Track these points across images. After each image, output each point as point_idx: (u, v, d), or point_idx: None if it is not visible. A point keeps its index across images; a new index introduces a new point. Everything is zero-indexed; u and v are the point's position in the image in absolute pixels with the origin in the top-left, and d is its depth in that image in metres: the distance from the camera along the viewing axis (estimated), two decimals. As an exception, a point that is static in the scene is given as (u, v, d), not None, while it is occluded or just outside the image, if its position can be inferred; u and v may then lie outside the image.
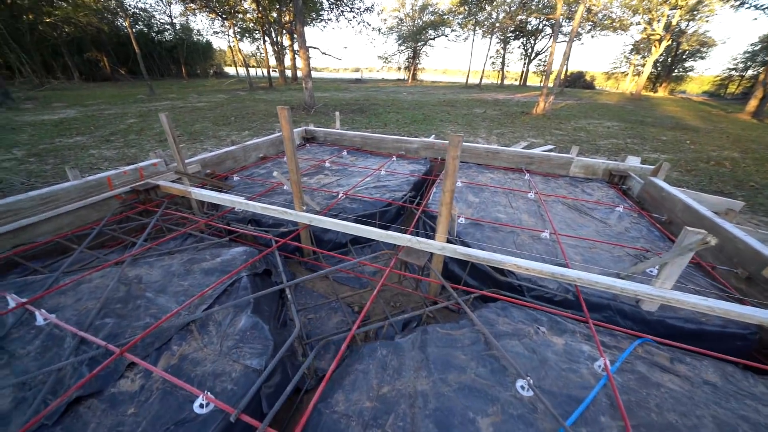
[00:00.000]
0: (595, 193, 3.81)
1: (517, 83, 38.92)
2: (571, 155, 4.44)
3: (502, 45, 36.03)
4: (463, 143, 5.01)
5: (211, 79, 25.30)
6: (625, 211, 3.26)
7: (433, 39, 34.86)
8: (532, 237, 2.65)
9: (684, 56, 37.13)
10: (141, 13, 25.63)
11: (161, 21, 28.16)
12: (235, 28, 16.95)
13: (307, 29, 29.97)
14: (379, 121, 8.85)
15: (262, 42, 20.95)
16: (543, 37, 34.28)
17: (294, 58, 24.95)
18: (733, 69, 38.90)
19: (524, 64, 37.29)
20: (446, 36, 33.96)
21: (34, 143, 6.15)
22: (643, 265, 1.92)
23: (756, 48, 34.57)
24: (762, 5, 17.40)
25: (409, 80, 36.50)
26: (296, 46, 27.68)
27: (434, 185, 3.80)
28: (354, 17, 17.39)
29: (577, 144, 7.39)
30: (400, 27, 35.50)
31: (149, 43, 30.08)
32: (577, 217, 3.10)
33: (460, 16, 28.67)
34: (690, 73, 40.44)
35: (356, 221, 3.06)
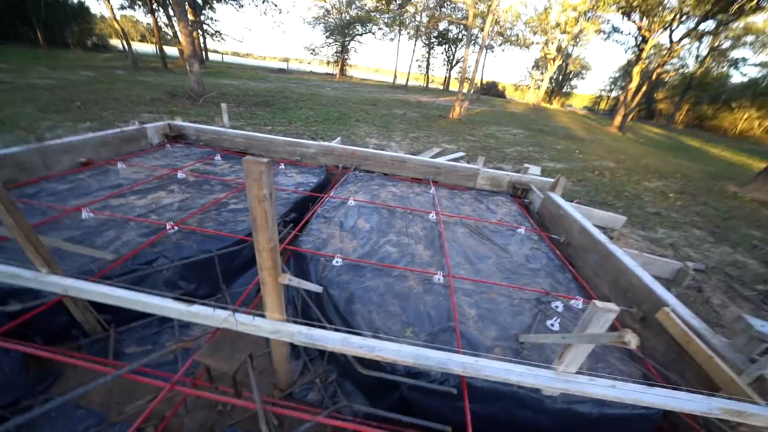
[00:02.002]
0: (499, 209, 3.52)
1: (441, 88, 41.04)
2: (477, 166, 4.16)
3: (427, 49, 37.41)
4: (371, 150, 4.35)
5: (77, 50, 19.93)
6: (526, 232, 2.98)
7: (361, 35, 34.21)
8: (423, 282, 2.06)
9: (570, 75, 44.25)
10: None
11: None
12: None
13: (219, 8, 26.22)
14: (284, 117, 7.71)
15: (151, 13, 17.21)
16: (463, 45, 36.69)
17: (198, 36, 21.41)
18: (603, 90, 48.04)
19: (447, 69, 39.45)
20: (373, 34, 33.65)
21: None
22: (544, 338, 1.44)
23: (616, 75, 43.15)
24: (620, 41, 21.65)
25: (338, 75, 35.23)
26: (189, 22, 23.85)
27: (321, 203, 3.02)
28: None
29: (487, 150, 7.52)
30: (326, 18, 33.86)
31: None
32: (478, 244, 2.66)
33: (386, 16, 28.61)
34: (575, 91, 48.63)
35: (184, 270, 2.09)
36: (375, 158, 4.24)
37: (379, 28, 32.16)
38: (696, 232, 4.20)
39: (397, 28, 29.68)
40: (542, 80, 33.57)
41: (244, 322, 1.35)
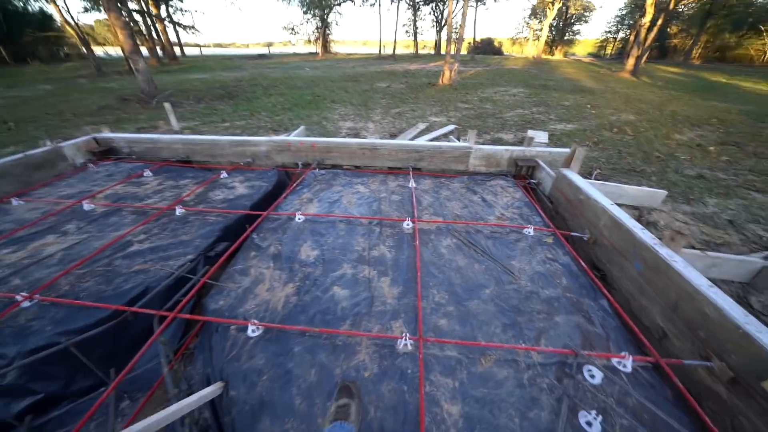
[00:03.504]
0: (498, 199, 2.72)
1: (432, 53, 38.42)
2: (468, 143, 3.31)
3: (413, 11, 34.65)
4: (335, 139, 3.54)
5: (35, 63, 18.87)
6: (536, 233, 2.20)
7: (339, 5, 31.78)
8: (381, 353, 1.34)
9: (572, 20, 40.66)
10: None
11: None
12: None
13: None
14: (247, 109, 6.83)
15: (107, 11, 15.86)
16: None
17: (164, 31, 19.98)
18: (608, 32, 44.14)
19: (437, 32, 36.70)
20: (352, 1, 31.16)
21: None
22: None
23: (623, 12, 39.33)
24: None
25: (320, 53, 33.21)
26: (167, 17, 22.05)
27: (255, 226, 2.28)
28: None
29: (483, 118, 6.51)
30: (299, -8, 31.43)
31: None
32: (469, 263, 1.91)
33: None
34: (578, 37, 44.90)
35: (39, 366, 1.43)
36: (340, 149, 3.44)
37: (357, -6, 29.71)
38: (757, 197, 3.29)
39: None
40: (541, 29, 30.86)
41: None
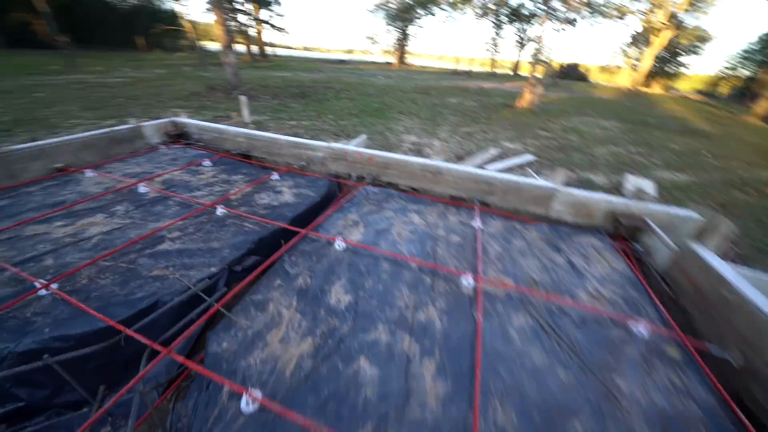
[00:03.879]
0: (590, 266, 2.09)
1: (511, 72, 36.85)
2: (551, 183, 2.70)
3: (496, 30, 33.68)
4: (395, 155, 3.20)
5: (158, 51, 22.26)
6: (652, 336, 1.55)
7: (420, 18, 32.23)
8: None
9: (680, 51, 35.70)
10: None
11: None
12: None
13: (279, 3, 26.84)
14: (316, 110, 6.90)
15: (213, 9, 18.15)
16: (539, 22, 31.98)
17: (261, 32, 22.20)
18: (731, 68, 37.72)
19: (518, 51, 35.13)
20: (434, 15, 31.37)
21: None
22: None
23: (755, 47, 33.31)
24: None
25: (396, 64, 33.96)
26: (263, 16, 24.65)
27: (292, 245, 2.00)
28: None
29: (567, 151, 5.66)
30: (387, 4, 32.67)
31: (104, 8, 26.63)
32: (550, 368, 1.36)
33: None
34: (684, 70, 39.15)
35: (27, 371, 1.27)
36: (399, 166, 3.07)
37: (442, 9, 29.79)
38: None
39: (462, 7, 27.01)
40: (642, 59, 27.57)
41: None
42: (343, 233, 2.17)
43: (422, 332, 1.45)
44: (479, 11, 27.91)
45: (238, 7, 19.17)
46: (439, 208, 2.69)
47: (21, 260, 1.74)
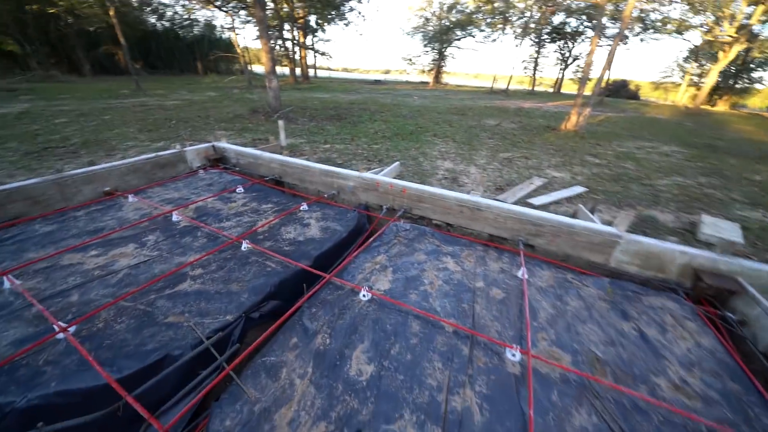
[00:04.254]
0: (669, 341, 1.69)
1: (551, 90, 35.55)
2: (613, 229, 2.32)
3: (537, 48, 32.93)
4: (429, 188, 3.00)
5: (212, 75, 24.50)
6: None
7: (459, 40, 32.47)
8: None
9: (752, 65, 32.22)
10: (142, 5, 24.93)
11: (181, 15, 28.00)
12: (237, 20, 15.78)
13: (332, 27, 28.60)
14: (350, 133, 6.94)
15: (273, 39, 19.66)
16: (583, 40, 30.76)
17: (304, 56, 23.63)
18: (815, 82, 33.19)
19: (560, 69, 33.92)
20: (473, 36, 31.45)
21: None
22: None
23: None
24: None
25: (431, 83, 34.29)
26: (313, 44, 26.44)
27: (313, 293, 1.84)
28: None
29: (624, 183, 5.06)
30: (425, 27, 33.44)
31: (172, 38, 30.16)
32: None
33: (489, 17, 26.13)
34: (757, 86, 35.12)
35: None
36: (434, 200, 2.86)
37: (480, 30, 29.82)
38: None
39: (501, 27, 26.82)
40: (705, 74, 25.21)
41: None
42: (370, 279, 1.97)
43: (457, 427, 1.18)
44: (519, 31, 27.52)
45: (286, 35, 20.74)
46: (478, 251, 2.41)
47: (50, 294, 1.75)
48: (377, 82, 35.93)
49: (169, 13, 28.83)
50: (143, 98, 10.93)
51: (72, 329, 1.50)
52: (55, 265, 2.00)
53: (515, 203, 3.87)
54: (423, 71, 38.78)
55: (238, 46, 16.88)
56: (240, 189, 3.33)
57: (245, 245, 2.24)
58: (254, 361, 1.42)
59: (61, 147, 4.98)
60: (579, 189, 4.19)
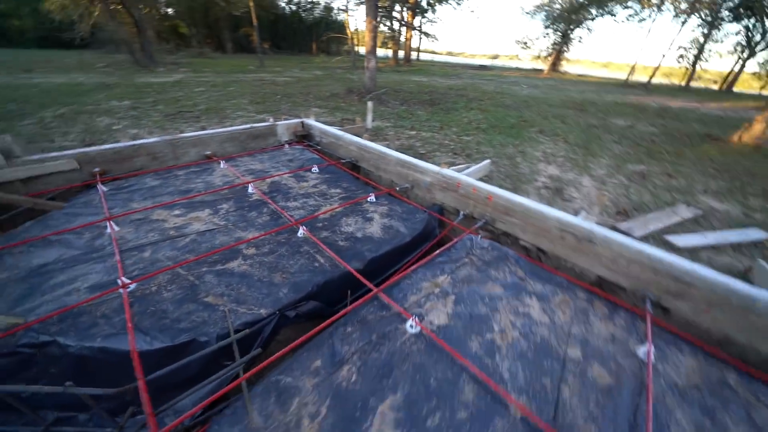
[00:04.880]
0: None
1: (716, 87, 27.09)
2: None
3: (706, 30, 25.11)
4: (523, 199, 2.44)
5: (321, 55, 26.23)
6: None
7: (592, 20, 27.16)
8: None
9: None
10: None
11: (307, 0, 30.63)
12: (352, 2, 16.30)
13: (443, 6, 27.39)
14: (441, 120, 6.35)
15: (380, 18, 19.83)
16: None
17: (410, 38, 23.18)
18: None
19: (739, 59, 25.29)
20: (613, 16, 25.81)
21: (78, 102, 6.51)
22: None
23: None
24: None
25: (546, 71, 29.99)
26: (417, 24, 25.69)
27: (354, 308, 1.57)
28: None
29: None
30: (551, 4, 29.01)
31: (296, 21, 33.47)
32: None
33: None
34: None
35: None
36: (526, 215, 2.26)
37: (625, 7, 24.25)
38: None
39: (657, 2, 21.21)
40: None
41: None
42: (424, 306, 1.61)
43: None
44: (685, 6, 21.30)
45: (395, 14, 20.65)
46: (579, 298, 1.78)
47: (132, 246, 1.91)
48: (482, 67, 33.26)
49: (296, -3, 31.92)
50: (262, 74, 12.40)
51: (131, 287, 1.57)
52: (146, 218, 2.22)
53: (645, 238, 2.81)
54: (538, 57, 34.10)
55: (349, 27, 17.58)
56: (315, 168, 3.28)
57: (301, 231, 2.12)
58: (269, 377, 1.24)
59: (189, 112, 5.92)
60: (758, 234, 2.82)
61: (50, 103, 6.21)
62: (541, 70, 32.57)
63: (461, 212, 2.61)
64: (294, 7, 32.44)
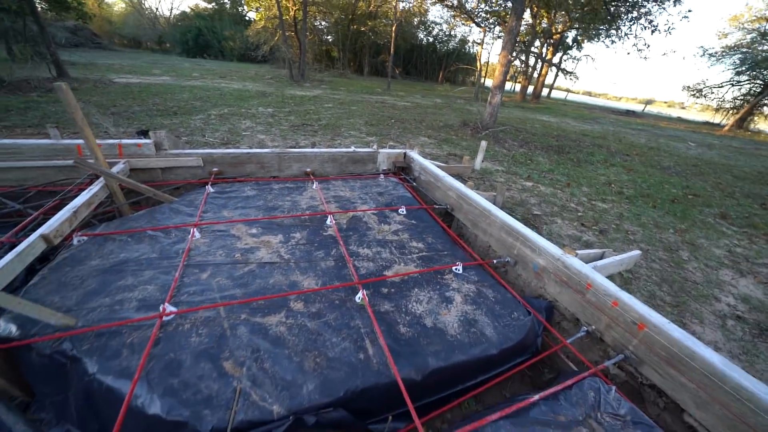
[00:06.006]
0: None
1: None
2: None
3: None
4: (700, 349, 1.49)
5: (446, 84, 26.56)
6: None
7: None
8: None
9: None
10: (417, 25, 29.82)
11: (444, 31, 32.16)
12: (489, 36, 16.03)
13: (592, 45, 24.65)
14: (567, 173, 5.14)
15: (516, 53, 18.98)
16: None
17: (545, 74, 21.36)
18: None
19: None
20: None
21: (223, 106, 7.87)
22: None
23: None
24: None
25: (727, 127, 23.23)
26: (556, 60, 23.56)
27: None
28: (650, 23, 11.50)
29: None
30: (752, 45, 22.57)
31: (430, 51, 35.50)
32: None
33: None
34: None
35: None
36: (708, 382, 1.32)
37: None
38: None
39: None
40: None
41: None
42: None
43: None
44: None
45: (533, 50, 19.45)
46: None
47: (197, 263, 1.86)
48: (630, 112, 28.19)
49: (435, 31, 33.86)
50: (386, 97, 13.21)
51: (168, 318, 1.45)
52: (226, 231, 2.22)
53: None
54: (718, 109, 26.78)
55: (480, 60, 17.37)
56: (402, 210, 2.91)
57: (360, 296, 1.73)
58: None
59: (310, 125, 6.51)
60: None
61: (221, 103, 7.84)
62: (717, 125, 25.48)
63: (584, 327, 1.79)
64: (431, 39, 34.49)
